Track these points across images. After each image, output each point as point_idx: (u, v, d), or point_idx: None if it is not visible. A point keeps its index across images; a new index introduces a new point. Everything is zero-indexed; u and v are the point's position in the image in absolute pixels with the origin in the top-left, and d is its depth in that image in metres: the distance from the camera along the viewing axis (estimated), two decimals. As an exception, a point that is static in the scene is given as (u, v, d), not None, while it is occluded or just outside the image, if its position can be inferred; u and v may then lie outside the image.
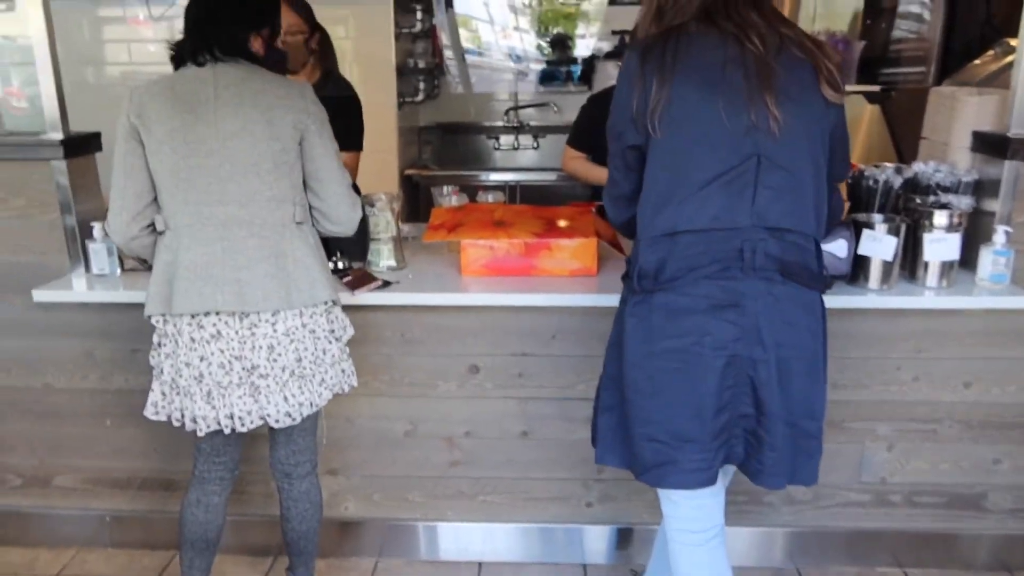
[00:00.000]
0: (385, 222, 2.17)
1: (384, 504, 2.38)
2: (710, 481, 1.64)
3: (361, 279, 2.07)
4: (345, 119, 2.52)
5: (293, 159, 1.75)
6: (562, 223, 2.20)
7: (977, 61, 2.98)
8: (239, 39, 1.76)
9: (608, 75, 4.27)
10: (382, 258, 2.18)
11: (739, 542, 2.29)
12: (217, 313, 1.72)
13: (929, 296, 2.06)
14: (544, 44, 4.52)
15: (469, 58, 4.41)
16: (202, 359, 1.74)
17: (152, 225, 1.77)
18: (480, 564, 2.38)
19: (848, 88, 3.90)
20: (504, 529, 2.38)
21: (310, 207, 1.83)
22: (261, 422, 1.78)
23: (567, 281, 2.12)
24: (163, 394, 1.80)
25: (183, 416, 1.79)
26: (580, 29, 4.70)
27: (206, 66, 1.73)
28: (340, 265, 2.17)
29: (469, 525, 2.38)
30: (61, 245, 2.20)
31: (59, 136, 2.14)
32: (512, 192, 3.91)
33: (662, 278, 1.56)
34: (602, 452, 1.76)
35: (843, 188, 1.99)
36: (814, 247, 1.59)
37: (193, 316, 1.72)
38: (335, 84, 2.63)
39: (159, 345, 1.79)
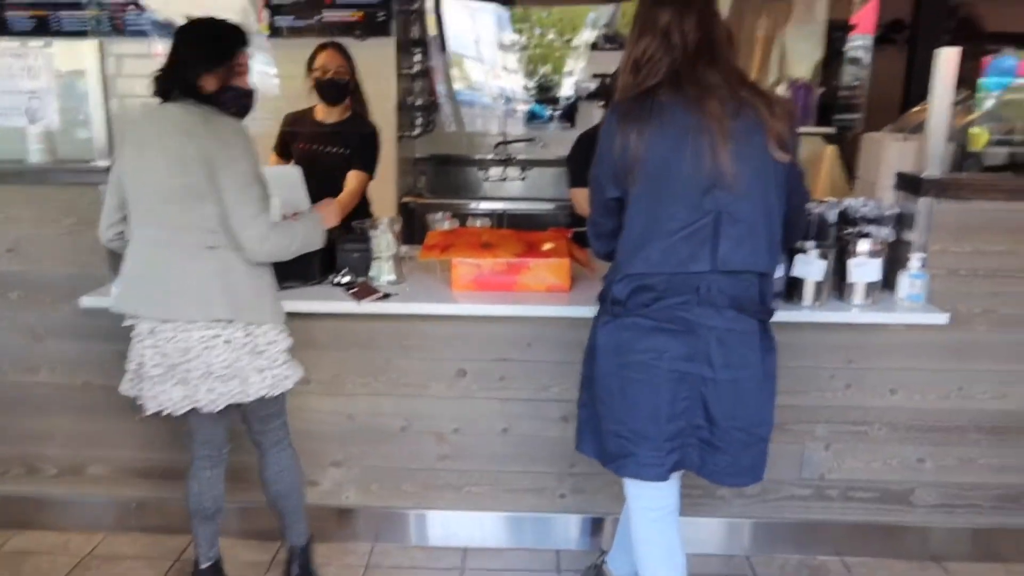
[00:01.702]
0: (386, 242, 2.49)
1: (380, 494, 2.67)
2: (661, 477, 1.91)
3: (365, 291, 2.39)
4: (367, 148, 3.09)
5: (204, 190, 1.95)
6: (541, 246, 2.52)
7: (916, 109, 3.34)
8: (190, 80, 1.98)
9: (590, 114, 4.63)
10: (383, 273, 2.49)
11: (695, 532, 2.56)
12: None
13: (855, 312, 2.37)
14: (531, 85, 4.90)
15: (461, 96, 4.78)
16: (142, 352, 2.06)
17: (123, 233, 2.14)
18: (465, 549, 2.67)
19: (809, 130, 4.30)
20: (487, 517, 2.67)
21: None
22: (191, 406, 2.06)
23: (543, 295, 2.42)
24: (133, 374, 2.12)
25: (141, 395, 2.10)
26: (568, 66, 5.07)
27: (163, 105, 2.01)
28: (346, 279, 2.48)
29: (456, 513, 2.67)
30: (103, 258, 2.51)
31: (106, 163, 2.47)
32: (499, 219, 4.22)
33: (632, 304, 1.86)
34: (580, 441, 2.06)
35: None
36: (760, 281, 1.86)
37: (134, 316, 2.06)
38: (360, 123, 3.12)
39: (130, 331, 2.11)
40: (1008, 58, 2.74)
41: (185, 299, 1.99)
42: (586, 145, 3.29)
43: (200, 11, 4.10)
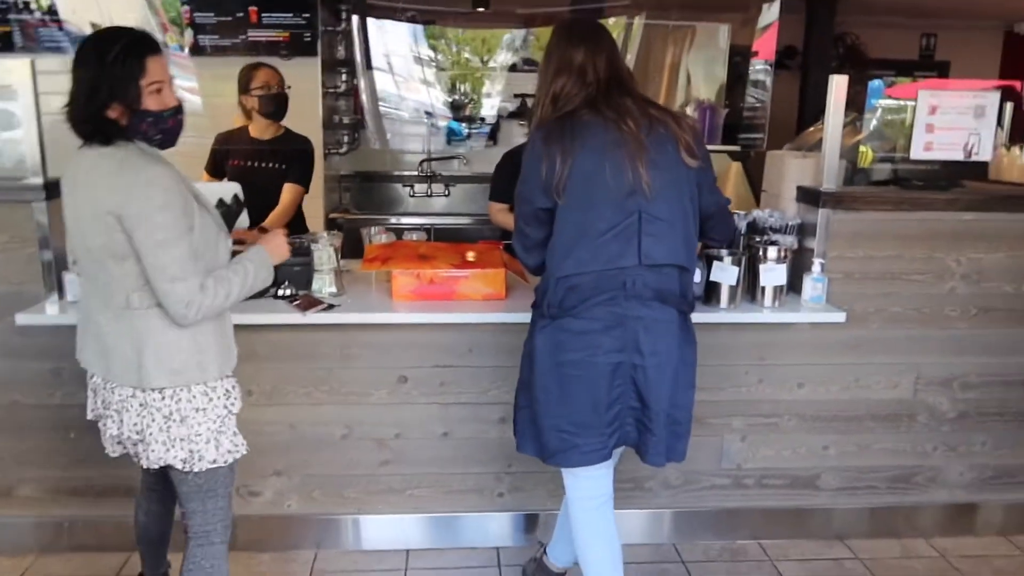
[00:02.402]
0: (327, 255, 2.56)
1: (323, 501, 2.71)
2: (606, 458, 2.09)
3: (309, 303, 2.46)
4: (302, 163, 3.17)
5: (125, 250, 1.72)
6: (476, 256, 2.65)
7: (811, 129, 3.65)
8: (94, 116, 1.70)
9: (511, 133, 4.81)
10: (325, 286, 2.56)
11: (624, 523, 2.67)
12: None
13: (766, 313, 2.60)
14: (449, 100, 5.05)
15: (386, 114, 4.89)
16: (89, 392, 1.98)
17: None
18: (408, 551, 2.75)
19: (715, 148, 4.61)
20: (428, 519, 2.76)
21: None
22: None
23: (480, 303, 2.55)
24: None
25: None
26: (486, 88, 5.26)
27: (80, 150, 1.77)
28: (288, 292, 2.54)
29: (398, 517, 2.74)
30: (37, 276, 2.49)
31: (40, 180, 2.45)
32: (426, 234, 4.33)
33: (565, 306, 2.01)
34: (520, 442, 2.19)
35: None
36: (680, 275, 2.05)
37: None
38: (294, 138, 3.23)
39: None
40: (876, 81, 3.06)
41: (121, 363, 1.82)
42: (510, 162, 3.45)
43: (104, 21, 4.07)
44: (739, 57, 5.00)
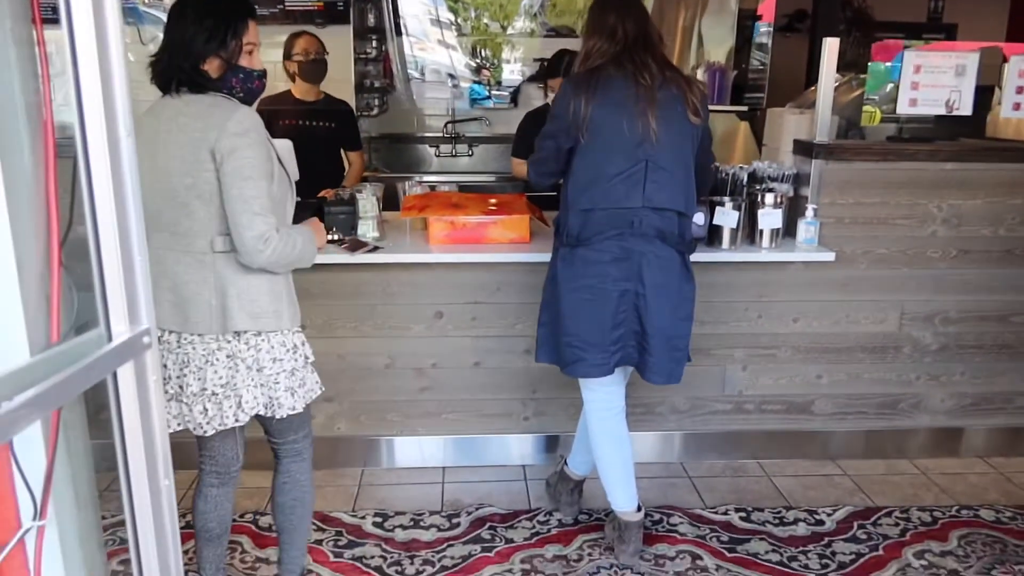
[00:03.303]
0: (371, 204, 2.88)
1: (368, 423, 3.07)
2: (607, 373, 2.40)
3: (356, 245, 2.78)
4: (350, 127, 3.50)
5: (211, 191, 1.78)
6: (504, 205, 2.96)
7: (811, 89, 3.90)
8: (190, 66, 1.79)
9: (531, 96, 5.08)
10: (369, 231, 2.88)
11: (638, 443, 3.02)
12: None
13: (764, 253, 2.90)
14: (472, 65, 5.32)
15: (413, 79, 5.17)
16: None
17: None
18: (444, 468, 3.10)
19: (724, 108, 4.85)
20: (462, 440, 3.10)
21: None
22: (182, 427, 1.92)
23: (508, 246, 2.86)
24: None
25: None
26: (506, 54, 5.52)
27: (163, 100, 1.84)
28: (335, 237, 2.86)
29: (435, 438, 3.09)
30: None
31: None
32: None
33: (582, 237, 2.33)
34: (539, 353, 2.52)
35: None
36: (680, 219, 2.35)
37: None
38: (334, 101, 3.53)
39: None
40: (908, 50, 3.26)
41: (201, 311, 1.85)
42: (531, 121, 3.74)
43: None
44: (748, 21, 5.22)
